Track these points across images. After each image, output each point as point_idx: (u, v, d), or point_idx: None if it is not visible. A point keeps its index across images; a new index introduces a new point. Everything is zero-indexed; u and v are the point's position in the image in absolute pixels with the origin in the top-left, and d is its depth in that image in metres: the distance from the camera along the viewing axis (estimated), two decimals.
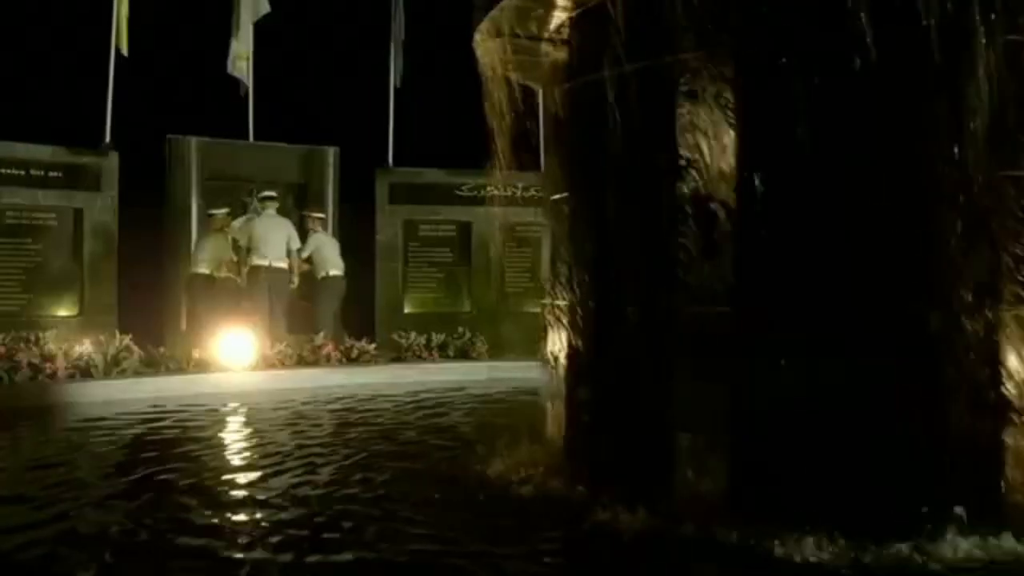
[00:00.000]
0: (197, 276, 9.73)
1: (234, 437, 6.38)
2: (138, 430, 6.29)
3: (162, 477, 4.66)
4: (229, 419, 7.11)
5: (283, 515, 3.82)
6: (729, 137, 3.42)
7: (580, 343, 3.89)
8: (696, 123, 3.48)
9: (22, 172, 10.38)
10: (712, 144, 3.44)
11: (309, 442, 5.72)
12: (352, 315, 10.74)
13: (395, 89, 12.52)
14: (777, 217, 3.34)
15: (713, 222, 3.42)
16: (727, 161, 3.42)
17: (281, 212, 10.59)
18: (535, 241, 12.74)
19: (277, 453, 5.33)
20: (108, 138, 10.70)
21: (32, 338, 7.91)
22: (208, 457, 5.34)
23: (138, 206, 10.92)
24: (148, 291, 10.94)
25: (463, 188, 12.46)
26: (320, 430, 6.35)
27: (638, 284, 3.61)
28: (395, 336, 9.36)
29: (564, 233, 4.03)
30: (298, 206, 11.69)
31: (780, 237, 3.33)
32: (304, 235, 10.50)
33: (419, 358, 9.17)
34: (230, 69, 11.64)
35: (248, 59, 11.67)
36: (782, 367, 3.28)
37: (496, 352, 10.13)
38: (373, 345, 9.18)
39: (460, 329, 9.66)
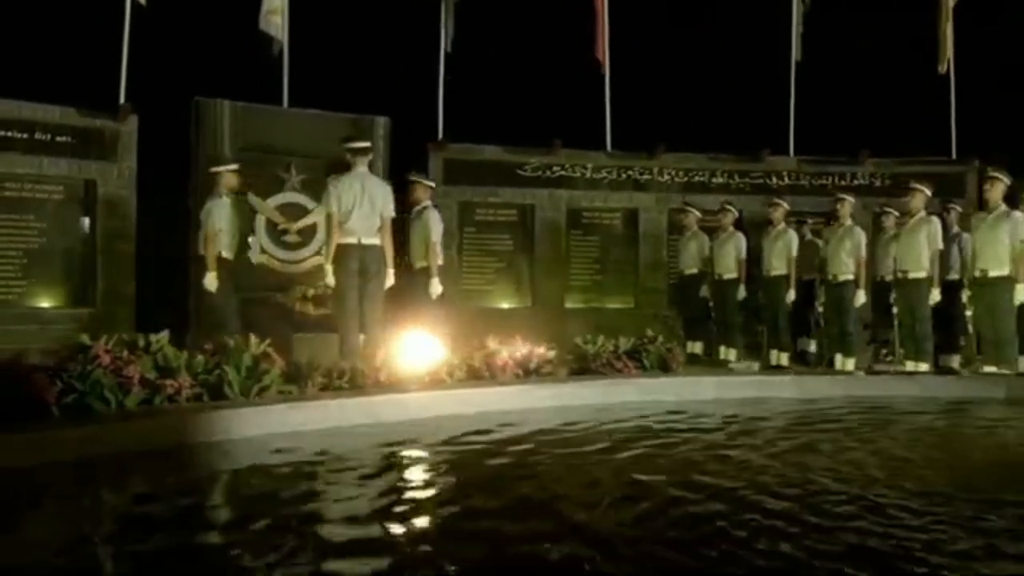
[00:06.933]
0: (213, 260, 7.71)
1: None
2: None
3: None
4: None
5: None
6: None
7: None
8: None
9: (24, 135, 8.91)
10: None
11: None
12: None
13: (446, 55, 11.06)
14: None
15: None
16: None
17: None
18: (602, 229, 11.38)
19: None
20: (124, 99, 9.21)
21: (141, 343, 5.46)
22: None
23: (160, 179, 9.47)
24: (172, 280, 9.41)
25: (526, 168, 11.10)
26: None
27: None
28: (579, 341, 7.71)
29: None
30: None
31: None
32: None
33: (615, 369, 7.44)
34: (262, 24, 10.28)
35: (283, 13, 10.31)
36: None
37: None
38: (553, 352, 7.41)
39: (649, 332, 8.07)
